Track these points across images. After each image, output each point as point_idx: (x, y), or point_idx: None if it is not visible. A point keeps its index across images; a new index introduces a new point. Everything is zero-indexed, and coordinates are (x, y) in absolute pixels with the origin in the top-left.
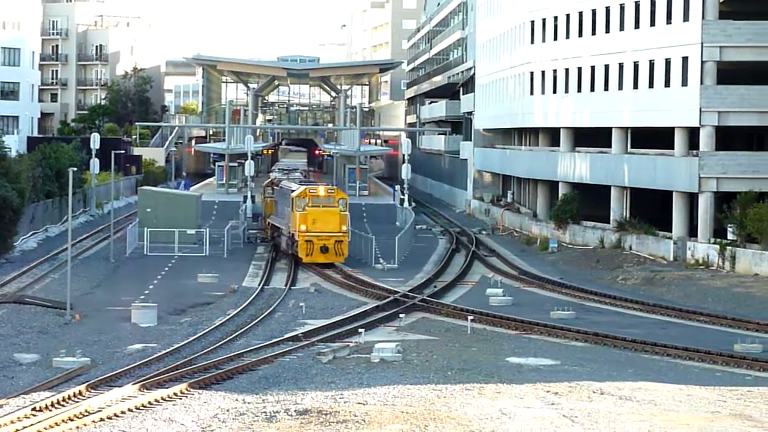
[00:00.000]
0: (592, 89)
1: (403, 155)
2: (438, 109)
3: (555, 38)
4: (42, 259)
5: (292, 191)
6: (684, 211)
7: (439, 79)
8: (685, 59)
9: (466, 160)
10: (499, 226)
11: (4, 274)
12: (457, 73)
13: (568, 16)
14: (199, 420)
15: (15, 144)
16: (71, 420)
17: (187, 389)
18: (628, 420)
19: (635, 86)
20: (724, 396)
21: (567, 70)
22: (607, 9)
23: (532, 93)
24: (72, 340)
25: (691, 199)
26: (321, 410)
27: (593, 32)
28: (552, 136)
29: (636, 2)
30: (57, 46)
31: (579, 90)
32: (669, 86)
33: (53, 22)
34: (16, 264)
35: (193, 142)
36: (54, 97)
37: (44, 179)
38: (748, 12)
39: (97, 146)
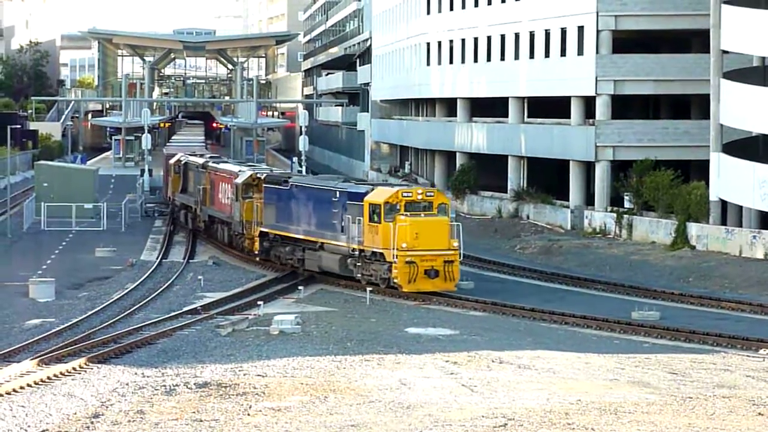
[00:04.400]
0: (489, 59)
1: (301, 127)
2: (335, 80)
3: (451, 8)
4: None
5: (362, 193)
6: (581, 180)
7: (335, 51)
8: (580, 28)
9: (363, 131)
10: None
11: None
12: (354, 45)
13: None
14: (99, 394)
15: None
16: None
17: (86, 364)
18: (527, 388)
19: (531, 56)
20: (623, 363)
21: (463, 41)
22: None
23: (428, 64)
24: None
25: (588, 168)
26: (221, 383)
27: (489, 2)
28: (449, 106)
29: None
30: None
31: (475, 60)
32: (565, 56)
33: None
34: None
35: (90, 116)
36: None
37: None
38: None
39: None
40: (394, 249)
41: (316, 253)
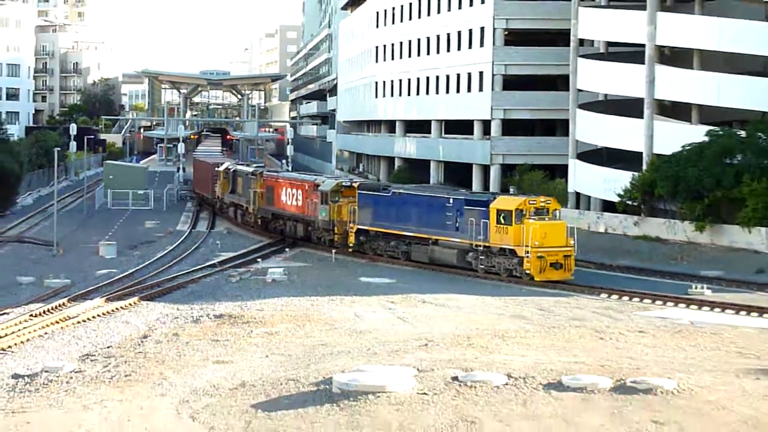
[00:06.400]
0: (418, 93)
1: (288, 139)
2: (312, 107)
3: (393, 58)
4: (36, 211)
5: (485, 201)
6: (481, 177)
7: (312, 87)
8: (481, 73)
9: (331, 142)
10: None
11: (9, 222)
12: (326, 82)
13: (401, 43)
14: (147, 322)
15: (16, 131)
16: (57, 323)
17: (138, 301)
18: (442, 320)
19: (447, 91)
20: (507, 303)
21: (401, 80)
22: (428, 38)
23: (376, 96)
24: (58, 267)
25: (486, 169)
26: (231, 315)
27: (419, 54)
28: (390, 126)
29: (448, 34)
30: (46, 62)
31: (409, 94)
32: (470, 91)
33: (43, 46)
34: (17, 215)
35: (142, 129)
36: (43, 99)
37: (37, 156)
38: (524, 40)
39: (75, 133)
40: (526, 246)
41: (427, 247)
